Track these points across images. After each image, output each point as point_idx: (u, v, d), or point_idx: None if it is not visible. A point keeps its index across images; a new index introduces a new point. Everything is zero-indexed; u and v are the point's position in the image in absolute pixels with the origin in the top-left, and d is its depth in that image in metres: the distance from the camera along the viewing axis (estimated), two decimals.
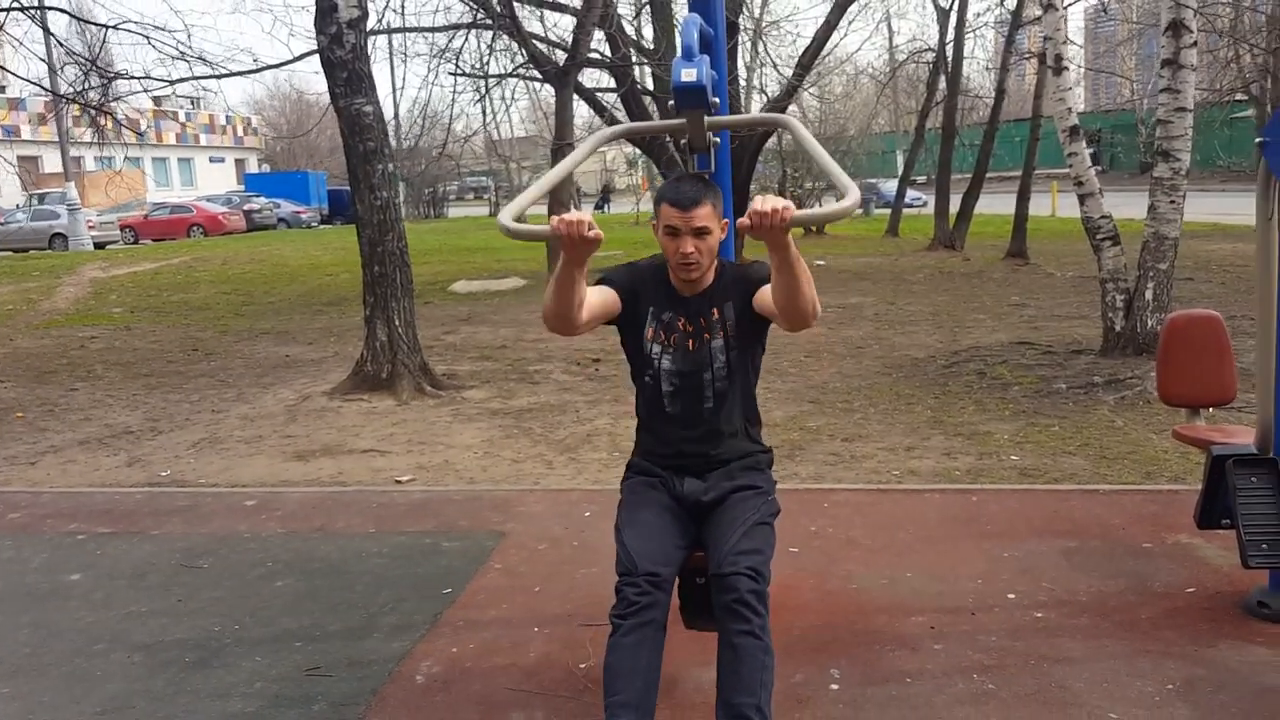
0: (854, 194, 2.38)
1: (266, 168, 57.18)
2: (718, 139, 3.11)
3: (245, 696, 3.07)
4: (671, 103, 2.92)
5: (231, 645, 3.43)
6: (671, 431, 2.75)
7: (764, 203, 2.23)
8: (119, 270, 20.31)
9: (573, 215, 2.32)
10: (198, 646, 3.42)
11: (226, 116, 54.49)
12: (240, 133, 57.02)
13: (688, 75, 2.71)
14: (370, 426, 6.73)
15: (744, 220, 2.26)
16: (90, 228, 28.42)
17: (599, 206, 45.05)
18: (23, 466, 6.10)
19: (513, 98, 26.30)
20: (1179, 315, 4.06)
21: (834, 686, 2.98)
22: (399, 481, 5.45)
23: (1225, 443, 3.55)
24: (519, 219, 2.57)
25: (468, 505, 4.85)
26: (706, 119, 2.92)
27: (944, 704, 2.85)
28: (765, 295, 2.58)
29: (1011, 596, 3.56)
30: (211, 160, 54.06)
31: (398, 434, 6.52)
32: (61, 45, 9.82)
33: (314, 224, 40.10)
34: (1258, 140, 3.41)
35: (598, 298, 2.66)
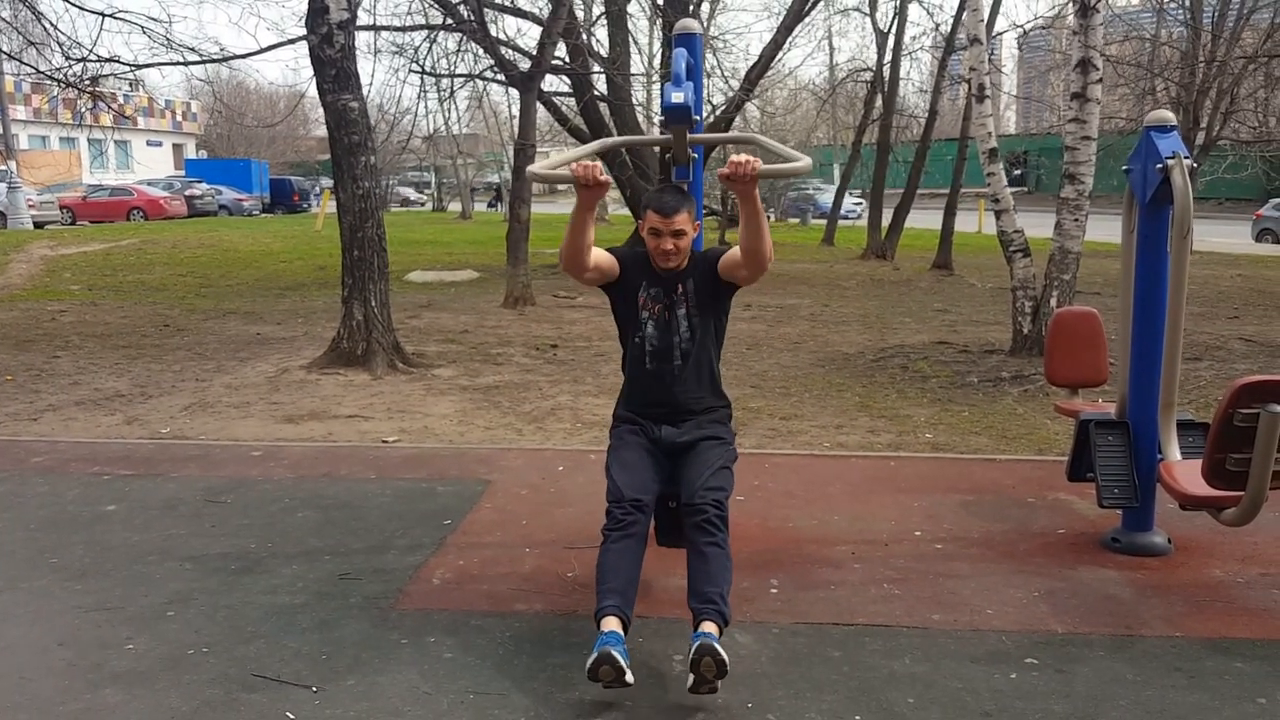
0: (806, 160, 3.25)
1: (204, 153, 56.57)
2: (695, 154, 3.83)
3: (291, 592, 3.70)
4: (660, 119, 3.62)
5: (269, 558, 4.05)
6: (649, 384, 3.46)
7: (739, 157, 3.06)
8: (68, 250, 20.40)
9: (589, 161, 3.12)
10: (240, 558, 4.04)
11: (165, 100, 53.82)
12: (179, 117, 56.37)
13: (677, 97, 3.42)
14: (350, 396, 7.32)
15: (723, 170, 3.09)
16: (30, 207, 28.18)
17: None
18: (26, 422, 6.58)
19: (480, 99, 26.81)
20: (1064, 311, 4.91)
21: (774, 590, 3.72)
22: (385, 441, 6.06)
23: (1091, 412, 4.37)
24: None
25: (454, 460, 5.51)
26: (688, 135, 3.63)
27: (860, 603, 3.61)
28: (727, 258, 3.35)
29: (918, 533, 4.34)
30: (149, 144, 53.31)
31: (377, 403, 7.13)
32: (53, 29, 10.19)
33: (255, 212, 39.96)
34: (1124, 168, 4.23)
35: (604, 258, 3.38)
